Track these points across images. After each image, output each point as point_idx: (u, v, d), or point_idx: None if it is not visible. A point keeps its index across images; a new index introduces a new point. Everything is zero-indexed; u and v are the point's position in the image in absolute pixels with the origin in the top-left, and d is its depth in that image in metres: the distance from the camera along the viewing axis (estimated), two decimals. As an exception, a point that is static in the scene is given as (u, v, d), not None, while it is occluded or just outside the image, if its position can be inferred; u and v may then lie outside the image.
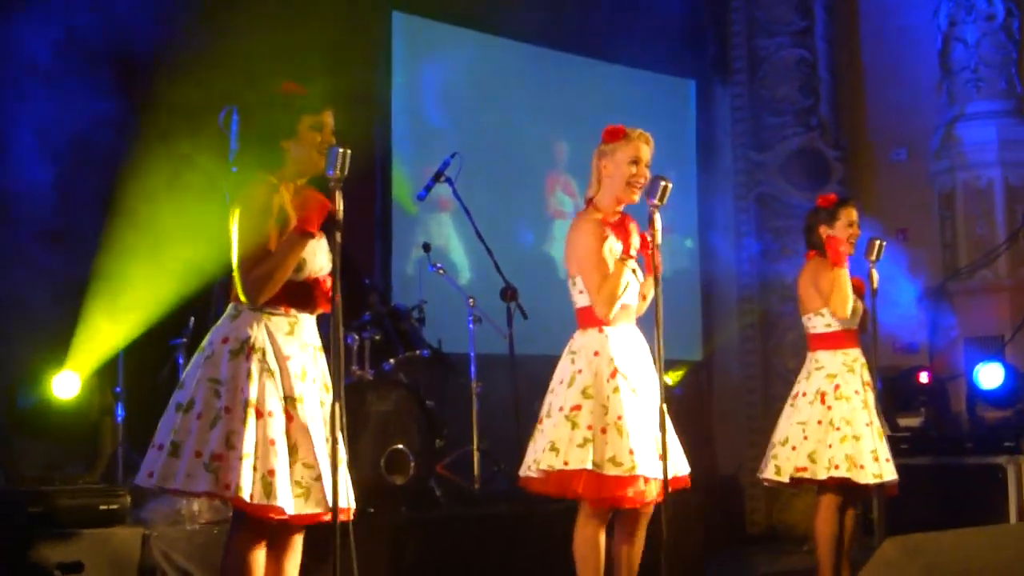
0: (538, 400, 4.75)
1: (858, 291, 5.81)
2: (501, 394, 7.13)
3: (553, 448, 4.48)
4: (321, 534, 3.93)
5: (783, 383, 8.59)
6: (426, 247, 7.44)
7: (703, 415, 9.84)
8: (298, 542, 3.98)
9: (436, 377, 7.18)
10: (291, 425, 3.83)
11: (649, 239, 4.46)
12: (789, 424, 5.77)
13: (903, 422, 7.98)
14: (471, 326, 7.14)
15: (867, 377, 5.74)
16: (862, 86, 10.06)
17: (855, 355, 5.78)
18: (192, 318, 6.34)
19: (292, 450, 3.82)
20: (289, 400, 3.85)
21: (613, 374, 4.52)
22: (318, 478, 3.82)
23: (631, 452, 4.41)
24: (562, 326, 4.90)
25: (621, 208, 4.72)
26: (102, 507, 5.33)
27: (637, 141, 4.67)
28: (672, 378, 8.71)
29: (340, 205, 3.82)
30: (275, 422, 3.78)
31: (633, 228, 4.70)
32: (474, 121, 8.76)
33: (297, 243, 3.84)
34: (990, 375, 8.05)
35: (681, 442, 4.72)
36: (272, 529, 3.88)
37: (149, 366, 6.51)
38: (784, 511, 9.20)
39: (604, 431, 4.46)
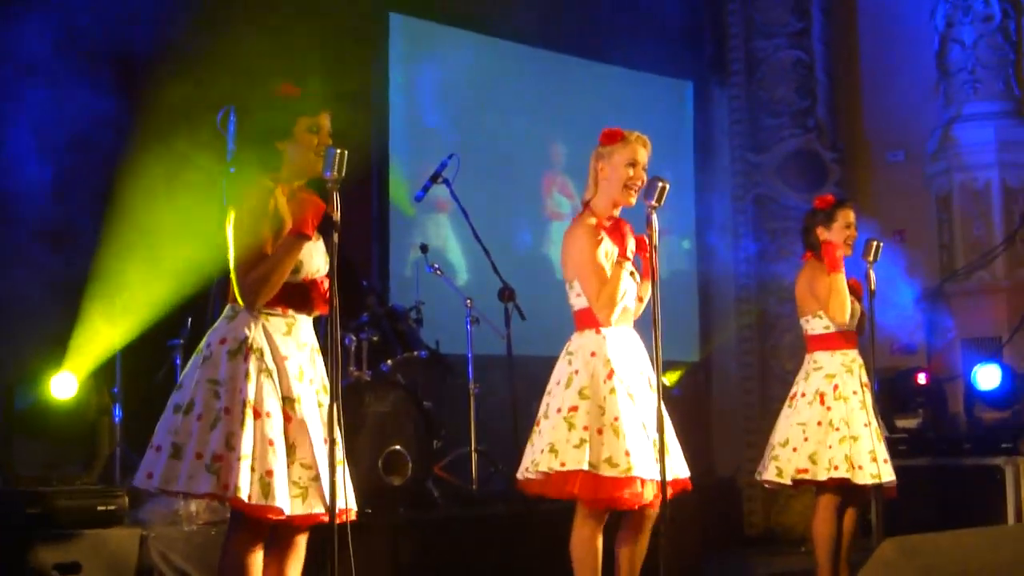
0: (536, 401, 4.75)
1: (855, 293, 5.82)
2: (499, 395, 7.14)
3: (552, 450, 4.48)
4: (319, 535, 3.93)
5: (781, 384, 8.60)
6: (423, 248, 7.44)
7: (701, 416, 9.83)
8: (301, 543, 3.97)
9: (434, 378, 7.18)
10: (289, 425, 3.83)
11: (647, 240, 4.46)
12: (789, 425, 5.77)
13: (901, 423, 7.98)
14: (469, 327, 7.15)
15: (865, 378, 5.75)
16: (859, 88, 10.07)
17: (853, 356, 5.79)
18: (189, 319, 6.34)
19: (290, 450, 3.82)
20: (287, 400, 3.85)
21: (610, 375, 4.52)
22: (316, 478, 3.82)
23: (627, 453, 4.41)
24: (560, 327, 4.90)
25: (618, 211, 4.71)
26: (100, 508, 5.33)
27: (635, 144, 4.67)
28: (670, 379, 8.72)
29: (337, 206, 3.82)
30: (273, 422, 3.78)
31: (629, 231, 4.70)
32: (471, 122, 8.76)
33: (293, 245, 3.84)
34: (988, 376, 8.05)
35: (679, 443, 4.72)
36: (274, 530, 3.88)
37: (147, 367, 6.51)
38: (782, 512, 9.20)
39: (600, 432, 4.45)
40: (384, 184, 8.33)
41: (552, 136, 9.20)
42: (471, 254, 8.15)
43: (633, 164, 4.64)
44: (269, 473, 3.71)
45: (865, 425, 5.63)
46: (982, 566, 3.45)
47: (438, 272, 7.33)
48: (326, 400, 3.90)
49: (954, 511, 7.29)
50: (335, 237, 3.83)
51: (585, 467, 4.40)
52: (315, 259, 3.96)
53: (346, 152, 3.80)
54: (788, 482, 5.72)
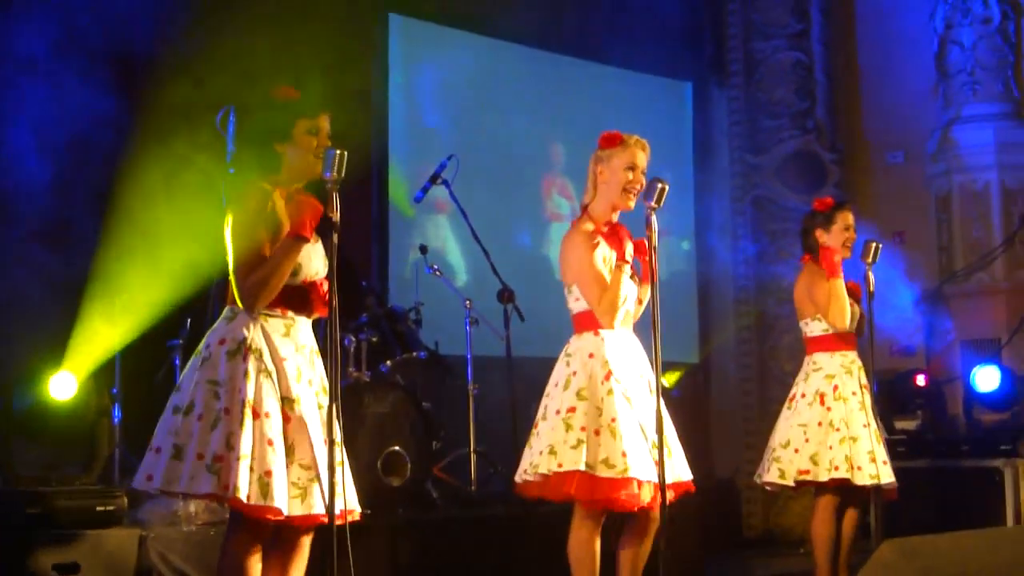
0: (535, 402, 4.75)
1: (854, 295, 5.83)
2: (498, 396, 7.13)
3: (552, 452, 4.48)
4: (318, 536, 3.93)
5: (780, 385, 8.61)
6: (423, 249, 7.44)
7: (700, 418, 9.83)
8: (305, 545, 3.97)
9: (433, 379, 7.18)
10: (288, 426, 3.84)
11: (646, 241, 4.46)
12: (789, 426, 5.77)
13: (900, 425, 7.98)
14: (468, 328, 7.14)
15: (864, 380, 5.76)
16: (858, 89, 10.07)
17: (852, 357, 5.81)
18: (189, 320, 6.35)
19: (289, 451, 3.82)
20: (286, 401, 3.85)
21: (607, 376, 4.52)
22: (315, 479, 3.82)
23: (624, 454, 4.40)
24: (559, 328, 4.90)
25: (616, 215, 4.71)
26: (99, 508, 5.33)
27: (634, 147, 4.67)
28: (668, 380, 8.72)
29: (337, 207, 3.82)
30: (273, 422, 3.78)
31: (627, 235, 4.69)
32: (471, 123, 8.76)
33: (292, 248, 3.84)
34: (987, 378, 8.05)
35: (681, 445, 4.71)
36: (278, 532, 3.89)
37: (146, 367, 6.51)
38: (781, 514, 9.20)
39: (598, 433, 4.45)
40: (383, 185, 8.32)
41: (552, 137, 9.20)
42: (470, 255, 8.15)
43: (632, 168, 4.64)
44: (268, 473, 3.72)
45: (864, 426, 5.63)
46: (981, 568, 3.45)
47: (437, 273, 7.33)
48: (326, 401, 3.91)
49: (953, 513, 7.29)
50: (335, 238, 3.83)
51: (582, 467, 4.40)
52: (314, 261, 3.96)
53: (346, 153, 3.80)
54: (791, 483, 5.72)
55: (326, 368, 3.97)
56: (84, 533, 5.17)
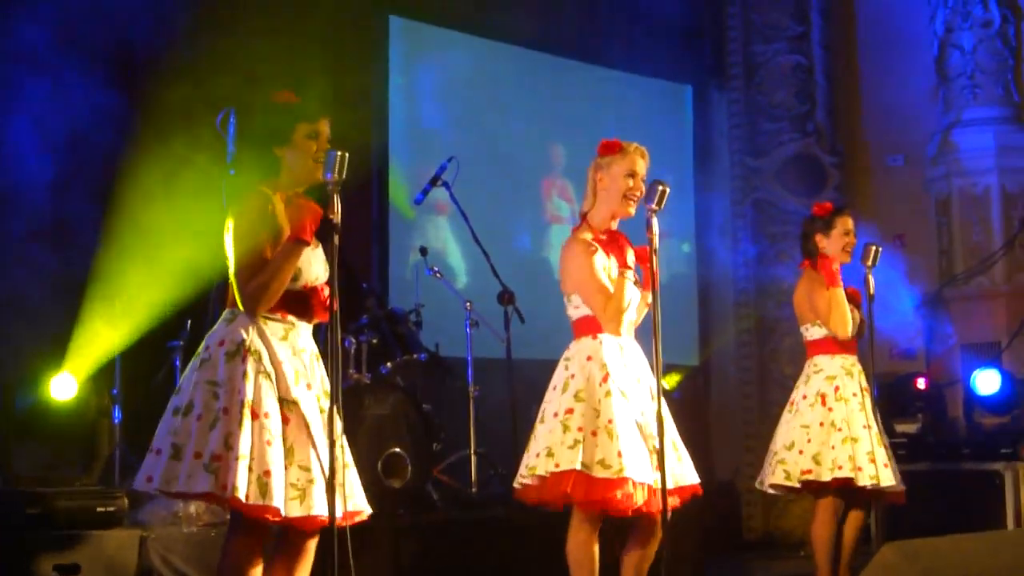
0: (535, 404, 4.74)
1: (854, 300, 5.84)
2: (498, 397, 7.14)
3: (549, 453, 4.47)
4: (318, 538, 3.93)
5: (780, 388, 8.61)
6: (423, 251, 7.44)
7: (700, 420, 9.82)
8: (310, 549, 3.96)
9: (433, 381, 7.18)
10: (287, 427, 3.84)
11: (647, 247, 4.46)
12: (792, 428, 5.77)
13: (900, 428, 7.98)
14: (468, 330, 7.14)
15: (865, 382, 5.76)
16: (858, 92, 10.08)
17: (853, 360, 5.82)
18: (189, 321, 6.35)
19: (288, 452, 3.82)
20: (285, 402, 3.85)
21: (605, 378, 4.51)
22: (314, 481, 3.82)
23: (619, 455, 4.39)
24: (559, 330, 4.90)
25: (615, 223, 4.71)
26: (99, 509, 5.33)
27: (633, 154, 4.67)
28: (669, 382, 8.72)
29: (338, 208, 3.82)
30: (272, 423, 3.78)
31: (626, 242, 4.69)
32: (471, 125, 8.76)
33: (292, 252, 3.84)
34: (987, 381, 8.06)
35: (686, 449, 4.71)
36: (283, 535, 3.89)
37: (146, 369, 6.51)
38: (781, 516, 9.20)
39: (595, 434, 4.45)
40: (384, 187, 8.32)
41: (552, 139, 9.20)
42: (471, 257, 8.15)
43: (632, 175, 4.64)
44: (267, 473, 3.71)
45: (865, 427, 5.64)
46: (982, 570, 3.45)
47: (438, 275, 7.33)
48: (327, 404, 3.91)
49: (953, 516, 7.28)
50: (335, 240, 3.83)
51: (578, 467, 4.39)
52: (314, 266, 3.96)
53: (347, 155, 3.80)
54: (796, 484, 5.72)
55: (327, 371, 3.96)
56: (84, 534, 5.17)
